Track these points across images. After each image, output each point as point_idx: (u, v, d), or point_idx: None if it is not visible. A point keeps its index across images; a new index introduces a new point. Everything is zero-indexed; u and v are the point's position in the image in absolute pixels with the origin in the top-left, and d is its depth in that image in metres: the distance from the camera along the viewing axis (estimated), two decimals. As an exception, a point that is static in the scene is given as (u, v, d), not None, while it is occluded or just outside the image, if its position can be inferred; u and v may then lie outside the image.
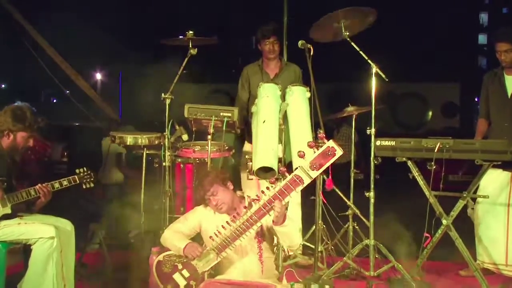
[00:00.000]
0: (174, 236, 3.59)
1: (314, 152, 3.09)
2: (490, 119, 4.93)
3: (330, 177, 4.53)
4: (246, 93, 5.27)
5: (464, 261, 4.43)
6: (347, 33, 4.61)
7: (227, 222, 3.33)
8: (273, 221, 3.31)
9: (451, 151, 4.27)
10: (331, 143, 3.07)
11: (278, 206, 3.20)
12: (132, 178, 5.24)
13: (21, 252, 4.07)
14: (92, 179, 4.26)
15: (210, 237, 3.40)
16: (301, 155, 3.08)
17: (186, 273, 3.50)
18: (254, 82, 5.20)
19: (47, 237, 3.82)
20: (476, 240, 4.80)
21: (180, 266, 3.52)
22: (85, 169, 4.25)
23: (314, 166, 3.08)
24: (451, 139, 4.30)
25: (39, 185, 4.04)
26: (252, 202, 3.29)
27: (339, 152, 3.06)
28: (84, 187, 4.26)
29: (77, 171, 4.23)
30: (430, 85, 10.12)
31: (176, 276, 3.51)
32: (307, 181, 3.13)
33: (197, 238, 3.72)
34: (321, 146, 3.08)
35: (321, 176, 4.45)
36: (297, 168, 3.17)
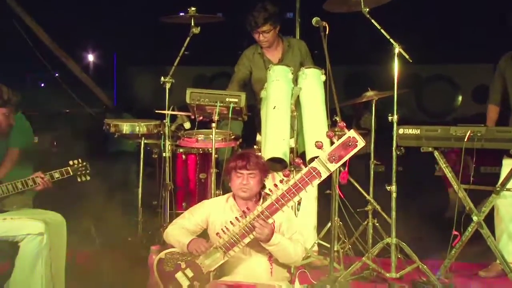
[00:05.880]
0: (178, 232, 3.63)
1: (333, 142, 3.12)
2: (501, 106, 4.94)
3: (346, 169, 4.57)
4: (246, 71, 5.21)
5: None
6: (367, 9, 4.61)
7: (236, 218, 3.37)
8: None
9: (483, 140, 4.28)
10: (352, 133, 3.09)
11: (259, 228, 3.28)
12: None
13: (7, 250, 4.12)
14: (88, 171, 4.28)
15: (217, 233, 3.45)
16: (319, 146, 3.11)
17: (189, 272, 3.54)
18: (256, 72, 5.20)
19: (35, 233, 3.86)
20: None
21: (183, 265, 3.56)
22: (80, 160, 4.28)
23: (333, 158, 3.11)
24: (483, 127, 4.32)
25: (39, 174, 4.09)
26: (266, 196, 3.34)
27: (361, 143, 3.09)
28: (79, 180, 4.29)
29: (70, 162, 4.23)
30: (459, 67, 10.05)
31: (179, 276, 3.56)
32: (324, 174, 3.16)
33: (203, 236, 3.76)
34: (341, 136, 3.11)
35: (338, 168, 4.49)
36: (313, 159, 3.21)
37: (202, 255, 3.48)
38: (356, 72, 9.72)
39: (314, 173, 3.16)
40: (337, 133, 3.24)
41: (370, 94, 5.28)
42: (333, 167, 3.14)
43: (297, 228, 3.56)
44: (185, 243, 3.53)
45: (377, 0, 4.68)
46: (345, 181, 4.58)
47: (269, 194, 3.33)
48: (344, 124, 3.14)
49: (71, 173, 4.22)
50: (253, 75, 5.21)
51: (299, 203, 4.07)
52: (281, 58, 5.19)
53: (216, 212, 3.66)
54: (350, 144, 3.09)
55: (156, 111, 5.04)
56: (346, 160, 3.17)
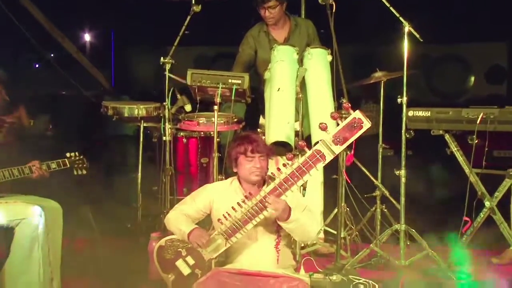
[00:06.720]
0: (179, 219, 3.62)
1: (338, 124, 3.12)
2: None
3: (352, 151, 4.57)
4: (251, 52, 5.20)
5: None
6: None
7: (238, 203, 3.37)
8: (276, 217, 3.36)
9: (496, 122, 4.28)
10: (357, 113, 3.09)
11: (272, 203, 3.25)
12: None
13: (2, 236, 4.13)
14: (85, 165, 4.33)
15: (219, 219, 3.45)
16: (323, 128, 3.10)
17: (190, 260, 3.55)
18: (261, 53, 5.17)
19: (31, 217, 3.90)
20: None
21: (184, 252, 3.57)
22: (77, 153, 4.32)
23: (338, 140, 3.11)
24: (496, 108, 4.31)
25: (35, 163, 4.12)
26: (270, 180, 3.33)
27: (366, 124, 3.08)
28: (75, 173, 4.34)
29: (67, 154, 4.30)
30: (471, 46, 9.99)
31: (180, 264, 3.57)
32: (329, 157, 3.16)
33: (206, 221, 3.76)
34: (346, 118, 3.10)
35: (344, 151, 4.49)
36: (317, 142, 3.20)
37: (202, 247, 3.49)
38: (363, 52, 9.68)
39: (318, 156, 3.16)
40: (342, 114, 3.23)
41: (379, 75, 5.25)
42: (338, 149, 3.13)
43: (305, 204, 3.55)
44: (186, 232, 3.52)
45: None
46: (350, 163, 4.58)
47: (272, 178, 3.33)
48: (349, 105, 3.13)
49: (68, 165, 4.28)
50: (258, 56, 5.18)
51: (304, 188, 4.07)
52: (287, 37, 5.16)
53: (220, 198, 3.63)
54: (355, 125, 3.08)
55: (170, 75, 4.94)
56: (352, 142, 3.16)
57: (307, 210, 3.53)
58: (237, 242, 3.46)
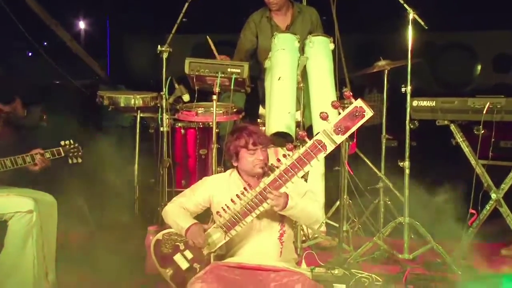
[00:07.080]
0: (178, 212, 3.61)
1: (339, 113, 3.11)
2: None
3: (355, 140, 4.56)
4: (252, 38, 5.20)
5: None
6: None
7: (237, 195, 3.36)
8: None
9: (503, 112, 4.28)
10: (359, 102, 3.08)
11: (274, 200, 3.27)
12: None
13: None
14: (79, 153, 4.32)
15: (218, 212, 3.44)
16: (324, 117, 3.10)
17: (189, 254, 3.56)
18: (262, 40, 5.15)
19: (25, 211, 3.90)
20: None
21: (182, 246, 3.57)
22: (71, 141, 4.31)
23: (339, 129, 3.10)
24: (503, 98, 4.30)
25: (39, 150, 4.13)
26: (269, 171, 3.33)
27: (368, 113, 3.07)
28: (70, 161, 4.33)
29: (62, 143, 4.29)
30: (478, 34, 9.98)
31: (177, 258, 3.57)
32: (330, 147, 3.15)
33: (205, 215, 3.76)
34: (347, 106, 3.10)
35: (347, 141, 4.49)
36: (318, 132, 3.20)
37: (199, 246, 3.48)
38: (367, 40, 9.66)
39: (319, 146, 3.15)
40: (344, 103, 3.23)
41: (382, 63, 5.25)
42: (339, 139, 3.13)
43: (306, 188, 3.55)
44: (184, 227, 3.50)
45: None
46: (353, 151, 4.58)
47: (272, 169, 3.33)
48: (351, 94, 3.12)
49: (63, 154, 4.26)
50: (259, 43, 5.17)
51: (305, 180, 4.08)
52: (290, 24, 5.15)
53: (220, 191, 3.61)
54: (357, 114, 3.07)
55: (208, 39, 4.90)
56: (354, 132, 3.16)
57: (309, 193, 3.54)
58: (239, 234, 3.45)
